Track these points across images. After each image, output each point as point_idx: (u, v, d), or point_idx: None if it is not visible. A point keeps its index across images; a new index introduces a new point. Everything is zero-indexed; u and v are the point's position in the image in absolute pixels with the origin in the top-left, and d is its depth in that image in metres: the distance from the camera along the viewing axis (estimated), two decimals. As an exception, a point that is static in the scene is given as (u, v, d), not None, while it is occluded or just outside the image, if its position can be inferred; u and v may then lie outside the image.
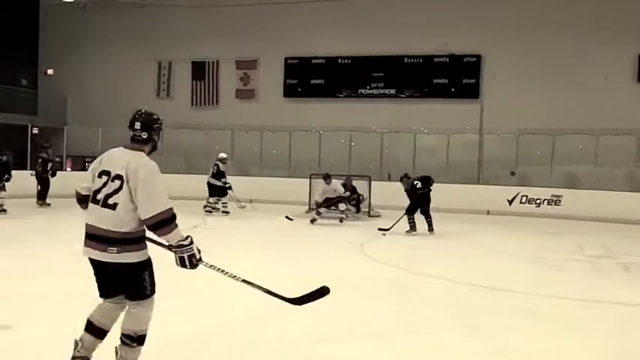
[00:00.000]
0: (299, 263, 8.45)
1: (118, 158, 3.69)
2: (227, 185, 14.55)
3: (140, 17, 21.78)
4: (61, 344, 3.91)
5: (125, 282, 3.62)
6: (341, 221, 13.63)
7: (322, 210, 13.48)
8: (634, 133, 16.86)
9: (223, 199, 14.56)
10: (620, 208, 15.22)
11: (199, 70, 21.69)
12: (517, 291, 6.99)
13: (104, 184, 3.62)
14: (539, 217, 15.78)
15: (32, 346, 4.49)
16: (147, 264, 3.65)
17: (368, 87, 20.09)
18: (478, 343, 5.03)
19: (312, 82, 20.60)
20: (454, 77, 19.39)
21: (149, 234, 3.64)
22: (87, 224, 3.64)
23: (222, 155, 14.87)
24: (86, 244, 3.62)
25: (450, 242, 11.45)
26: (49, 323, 4.97)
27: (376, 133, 19.12)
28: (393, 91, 19.87)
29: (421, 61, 19.67)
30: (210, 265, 3.73)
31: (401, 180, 12.37)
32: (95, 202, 3.64)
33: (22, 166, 16.71)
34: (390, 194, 14.99)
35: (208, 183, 14.56)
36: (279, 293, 3.94)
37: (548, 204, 16.49)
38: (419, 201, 11.90)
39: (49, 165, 15.19)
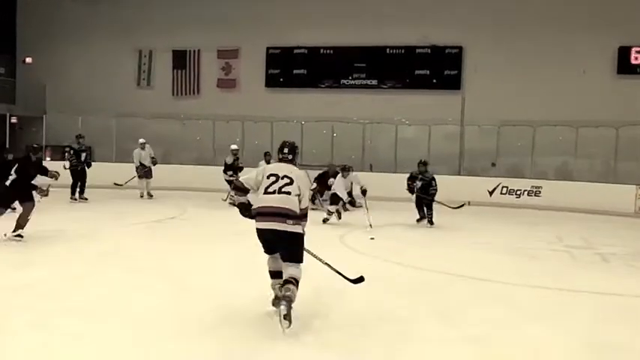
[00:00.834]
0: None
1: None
2: (230, 179, 14.13)
3: (120, 5, 21.47)
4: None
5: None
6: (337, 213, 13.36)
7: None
8: (613, 125, 16.98)
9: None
10: (598, 199, 15.38)
11: (180, 59, 21.50)
12: (496, 281, 7.07)
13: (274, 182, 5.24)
14: (520, 207, 15.93)
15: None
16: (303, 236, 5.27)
17: (350, 77, 20.04)
18: (455, 331, 5.07)
19: (295, 72, 20.50)
20: (436, 68, 19.40)
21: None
22: (263, 206, 5.17)
23: (231, 147, 14.90)
24: (265, 220, 5.14)
25: (430, 233, 11.52)
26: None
27: (358, 123, 19.10)
28: (374, 82, 19.85)
29: (403, 52, 19.64)
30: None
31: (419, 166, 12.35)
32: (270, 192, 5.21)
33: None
34: (372, 185, 14.97)
35: None
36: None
37: (528, 195, 16.63)
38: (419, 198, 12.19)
39: (83, 155, 14.34)
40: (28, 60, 22.55)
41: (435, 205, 12.20)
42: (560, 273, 7.96)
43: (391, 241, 10.28)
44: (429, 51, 19.41)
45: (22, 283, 6.18)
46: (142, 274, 6.81)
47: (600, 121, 16.79)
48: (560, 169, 17.61)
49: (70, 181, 14.04)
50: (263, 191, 5.24)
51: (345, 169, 12.50)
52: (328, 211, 12.23)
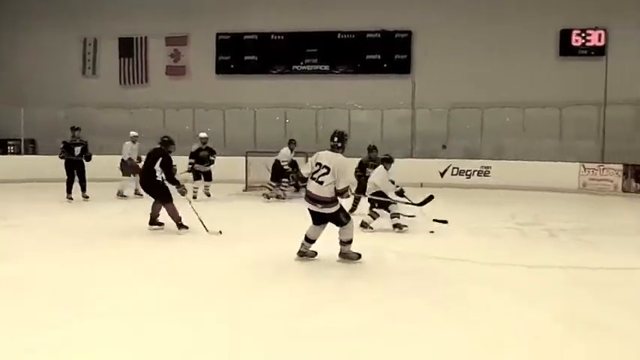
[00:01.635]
0: (231, 243, 8.19)
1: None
2: (188, 168, 13.23)
3: (66, -8, 20.94)
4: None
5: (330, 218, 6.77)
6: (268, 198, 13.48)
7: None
8: (557, 106, 17.63)
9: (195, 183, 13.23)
10: (545, 177, 15.98)
11: (127, 46, 21.11)
12: (465, 259, 7.26)
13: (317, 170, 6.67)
14: (470, 188, 16.38)
15: None
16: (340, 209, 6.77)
17: (302, 63, 20.07)
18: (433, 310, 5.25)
19: (246, 58, 20.39)
20: (386, 53, 19.64)
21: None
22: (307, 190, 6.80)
23: (200, 135, 13.70)
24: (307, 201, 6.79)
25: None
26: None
27: (311, 109, 19.21)
28: (326, 67, 19.95)
29: (354, 37, 19.78)
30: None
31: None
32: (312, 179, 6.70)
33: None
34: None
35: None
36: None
37: (478, 175, 17.12)
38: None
39: (78, 149, 12.63)
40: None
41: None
42: (518, 249, 8.29)
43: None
44: (379, 36, 19.60)
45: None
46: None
47: (545, 102, 17.43)
48: (509, 149, 18.10)
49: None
50: (311, 176, 6.75)
51: (387, 160, 9.88)
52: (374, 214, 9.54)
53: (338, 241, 6.87)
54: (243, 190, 15.06)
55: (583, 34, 18.58)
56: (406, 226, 9.29)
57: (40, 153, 18.89)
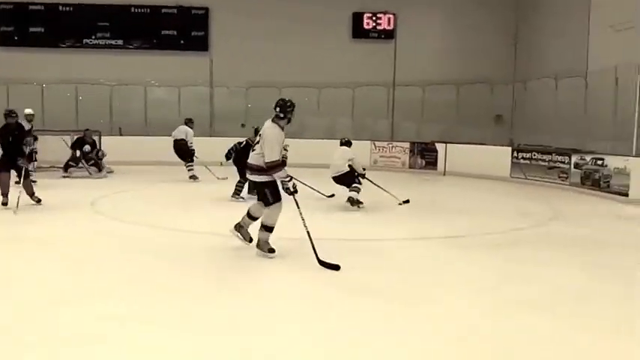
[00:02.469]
0: (24, 223, 8.11)
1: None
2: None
3: None
4: None
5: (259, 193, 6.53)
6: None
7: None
8: (350, 86, 18.46)
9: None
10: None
11: None
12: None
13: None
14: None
15: None
16: (269, 184, 6.28)
17: (93, 37, 18.97)
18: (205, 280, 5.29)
19: (31, 30, 18.84)
20: (183, 29, 19.21)
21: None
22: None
23: (25, 111, 12.30)
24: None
25: (182, 194, 11.69)
26: None
27: (105, 85, 18.34)
28: (120, 42, 19.05)
29: (148, 11, 19.06)
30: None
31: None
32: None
33: None
34: (123, 150, 14.75)
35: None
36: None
37: (279, 153, 17.38)
38: None
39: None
40: None
41: None
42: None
43: (142, 204, 10.41)
44: (175, 11, 19.14)
45: None
46: None
47: (339, 83, 18.15)
48: (307, 128, 18.59)
49: None
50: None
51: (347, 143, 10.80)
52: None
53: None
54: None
55: (374, 18, 19.55)
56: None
57: None
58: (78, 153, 13.85)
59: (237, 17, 18.80)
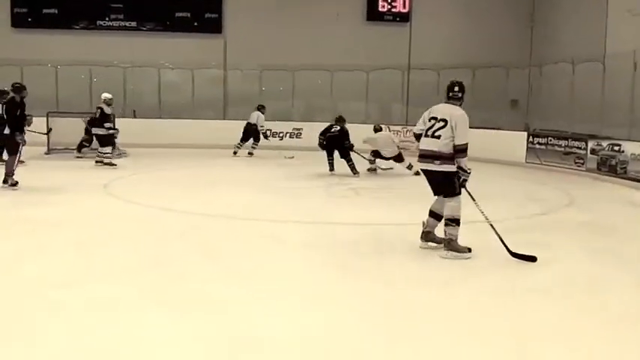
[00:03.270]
0: (41, 206, 8.08)
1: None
2: (112, 132, 12.53)
3: None
4: None
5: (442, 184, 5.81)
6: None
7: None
8: (364, 69, 18.33)
9: (105, 149, 12.35)
10: (353, 139, 16.51)
11: None
12: (262, 219, 7.43)
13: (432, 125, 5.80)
14: (283, 149, 16.54)
15: None
16: (456, 173, 5.73)
17: (107, 19, 18.92)
18: (216, 265, 5.32)
19: (44, 11, 18.81)
20: (196, 11, 19.08)
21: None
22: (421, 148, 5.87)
23: (106, 95, 12.62)
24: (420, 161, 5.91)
25: (194, 177, 11.68)
26: None
27: (118, 67, 18.33)
28: (134, 24, 18.96)
29: (161, -8, 19.12)
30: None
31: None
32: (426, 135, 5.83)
33: None
34: (136, 132, 14.77)
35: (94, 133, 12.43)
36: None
37: (290, 137, 17.50)
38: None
39: None
40: None
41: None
42: (321, 208, 8.65)
43: (155, 187, 10.43)
44: (188, -8, 19.13)
45: None
46: None
47: (353, 65, 18.01)
48: (319, 111, 18.53)
49: None
50: (424, 134, 5.87)
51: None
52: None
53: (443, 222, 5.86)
54: (45, 153, 14.22)
55: (389, 0, 19.35)
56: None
57: None
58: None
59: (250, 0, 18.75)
